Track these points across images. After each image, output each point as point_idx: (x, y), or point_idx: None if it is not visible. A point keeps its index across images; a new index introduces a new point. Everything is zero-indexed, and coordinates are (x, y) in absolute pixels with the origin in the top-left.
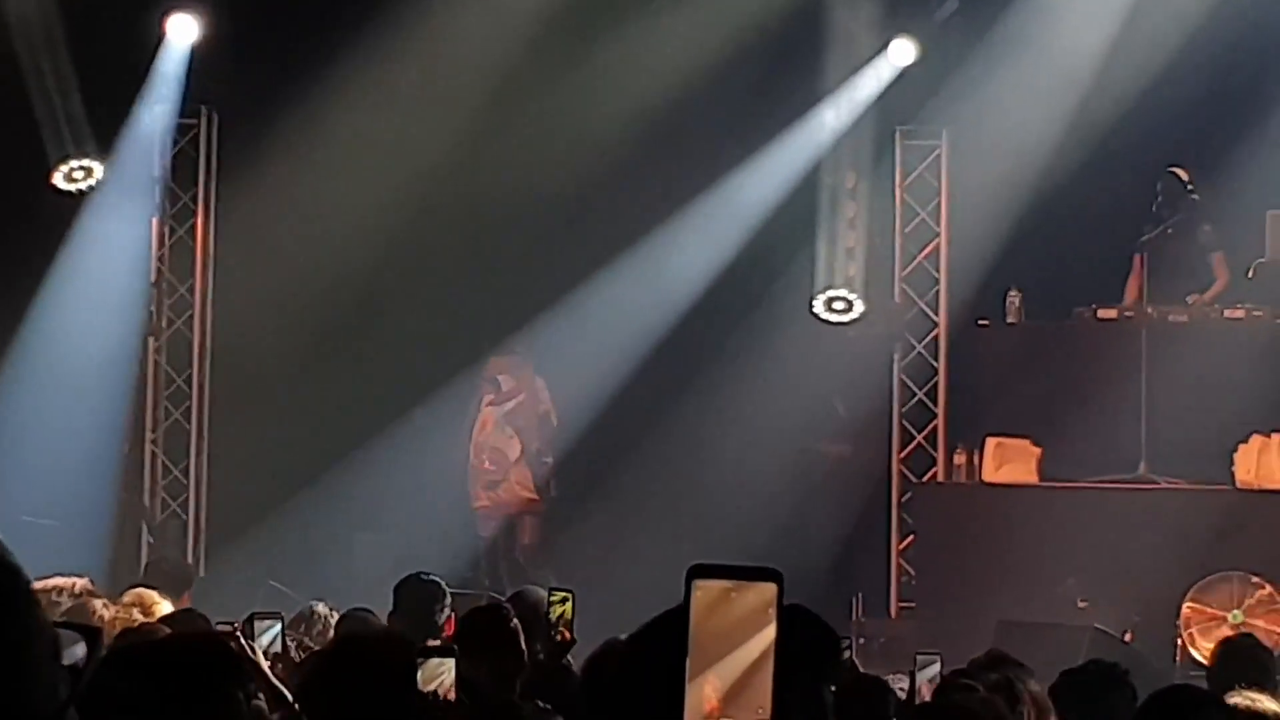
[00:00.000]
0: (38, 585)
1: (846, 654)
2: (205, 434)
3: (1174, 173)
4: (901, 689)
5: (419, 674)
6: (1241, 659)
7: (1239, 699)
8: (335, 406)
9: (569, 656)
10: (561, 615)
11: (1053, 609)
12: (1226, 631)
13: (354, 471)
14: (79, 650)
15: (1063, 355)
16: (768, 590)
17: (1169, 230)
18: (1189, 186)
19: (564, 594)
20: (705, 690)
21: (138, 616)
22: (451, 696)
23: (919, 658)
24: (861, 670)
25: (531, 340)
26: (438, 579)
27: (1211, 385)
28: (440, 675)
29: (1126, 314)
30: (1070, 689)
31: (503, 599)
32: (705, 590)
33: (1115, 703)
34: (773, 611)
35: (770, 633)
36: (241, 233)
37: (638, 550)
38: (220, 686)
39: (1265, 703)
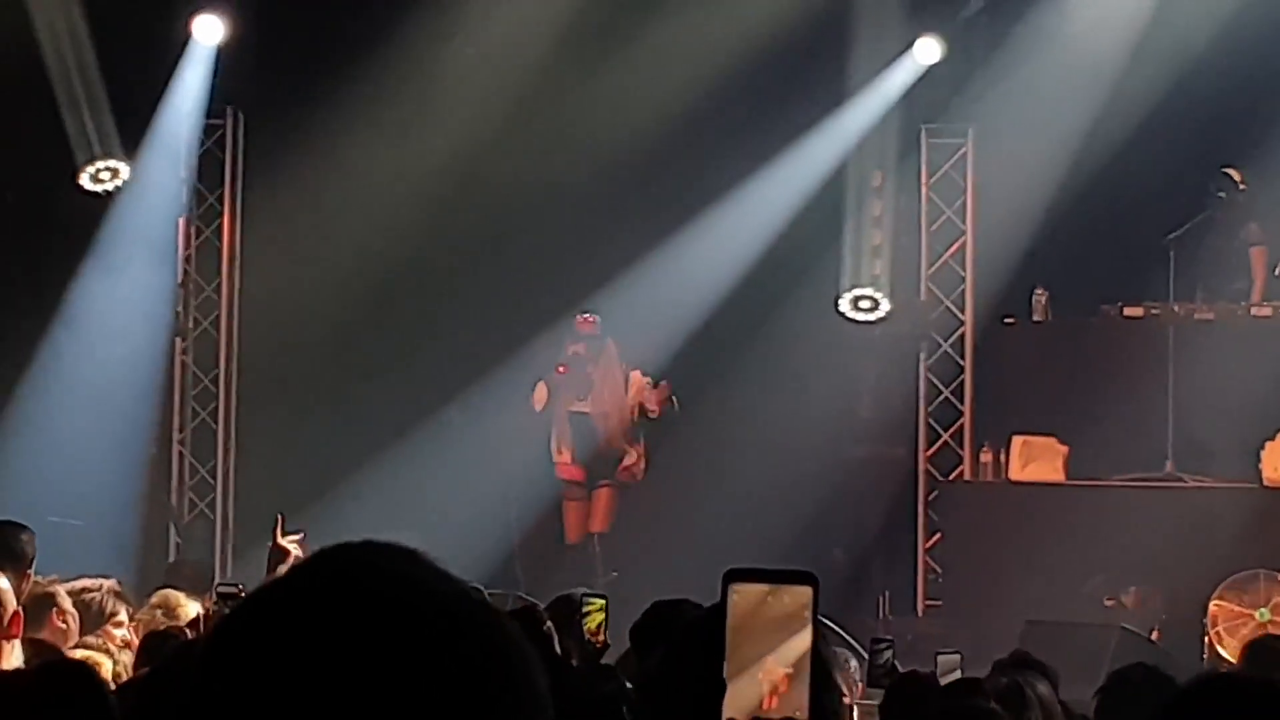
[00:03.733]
0: (65, 586)
1: (888, 655)
2: (232, 434)
3: (1227, 172)
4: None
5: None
6: (1268, 657)
7: None
8: (362, 405)
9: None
10: (599, 623)
11: (1079, 608)
12: (1254, 629)
13: (381, 471)
14: None
15: (1089, 353)
16: (804, 594)
17: (1216, 228)
18: (1241, 186)
19: (599, 600)
20: (744, 691)
21: (161, 619)
22: (602, 635)
23: (939, 657)
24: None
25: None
26: (478, 585)
27: (1239, 383)
28: (596, 615)
29: (1153, 311)
30: (1113, 696)
31: (536, 602)
32: (742, 594)
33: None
34: (809, 614)
35: (807, 635)
36: (268, 233)
37: (664, 549)
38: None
39: None
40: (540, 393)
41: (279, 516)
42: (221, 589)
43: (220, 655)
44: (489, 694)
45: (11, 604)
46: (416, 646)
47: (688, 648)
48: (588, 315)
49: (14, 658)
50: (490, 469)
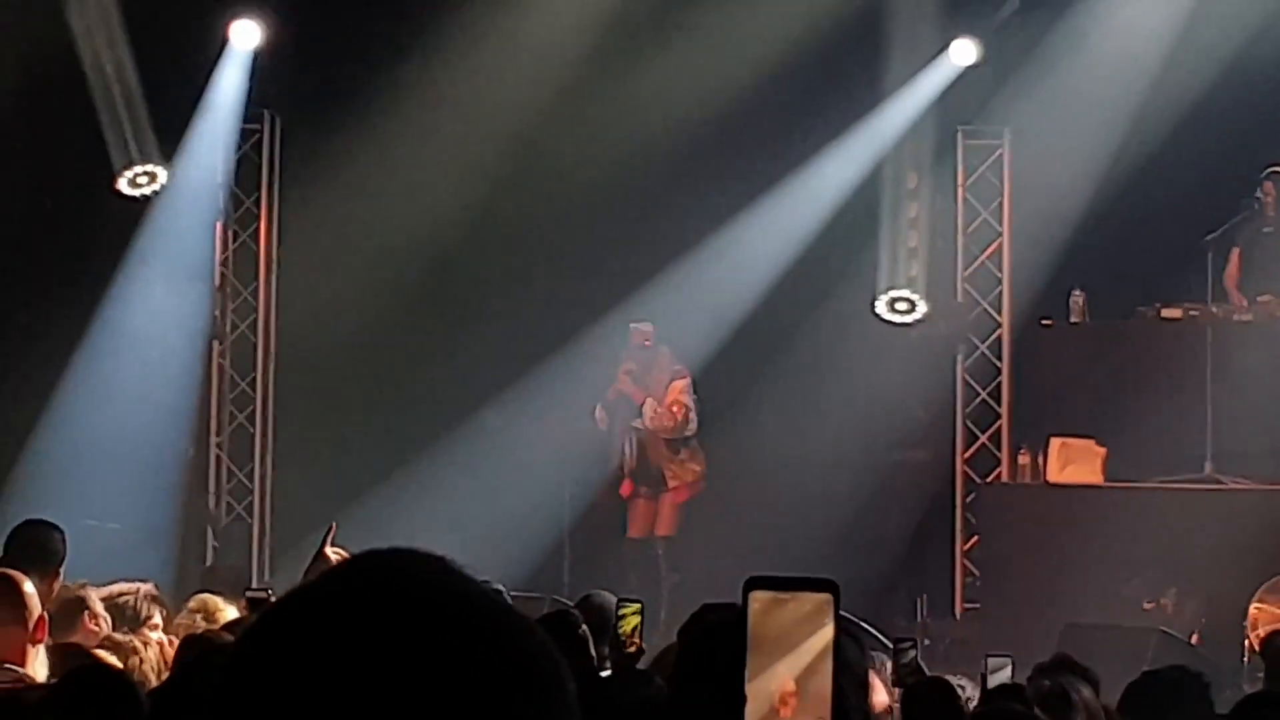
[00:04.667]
0: (102, 592)
1: (912, 654)
2: (270, 437)
3: (1277, 171)
4: (960, 687)
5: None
6: None
7: None
8: (399, 409)
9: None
10: (634, 627)
11: (1118, 610)
12: None
13: (419, 474)
14: None
15: (1127, 355)
16: (824, 601)
17: (1266, 228)
18: None
19: (635, 604)
20: (764, 695)
21: (201, 623)
22: (638, 640)
23: (989, 660)
24: (928, 672)
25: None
26: (500, 586)
27: (1277, 384)
28: (632, 619)
29: (1191, 312)
30: (1141, 696)
31: (570, 604)
32: (762, 602)
33: (1190, 712)
34: (830, 619)
35: (828, 640)
36: (305, 236)
37: (702, 552)
38: None
39: None
40: (600, 415)
41: (332, 525)
42: (251, 594)
43: (249, 658)
44: (515, 699)
45: (37, 608)
46: (442, 651)
47: (706, 657)
48: (642, 326)
49: (39, 662)
50: (528, 472)
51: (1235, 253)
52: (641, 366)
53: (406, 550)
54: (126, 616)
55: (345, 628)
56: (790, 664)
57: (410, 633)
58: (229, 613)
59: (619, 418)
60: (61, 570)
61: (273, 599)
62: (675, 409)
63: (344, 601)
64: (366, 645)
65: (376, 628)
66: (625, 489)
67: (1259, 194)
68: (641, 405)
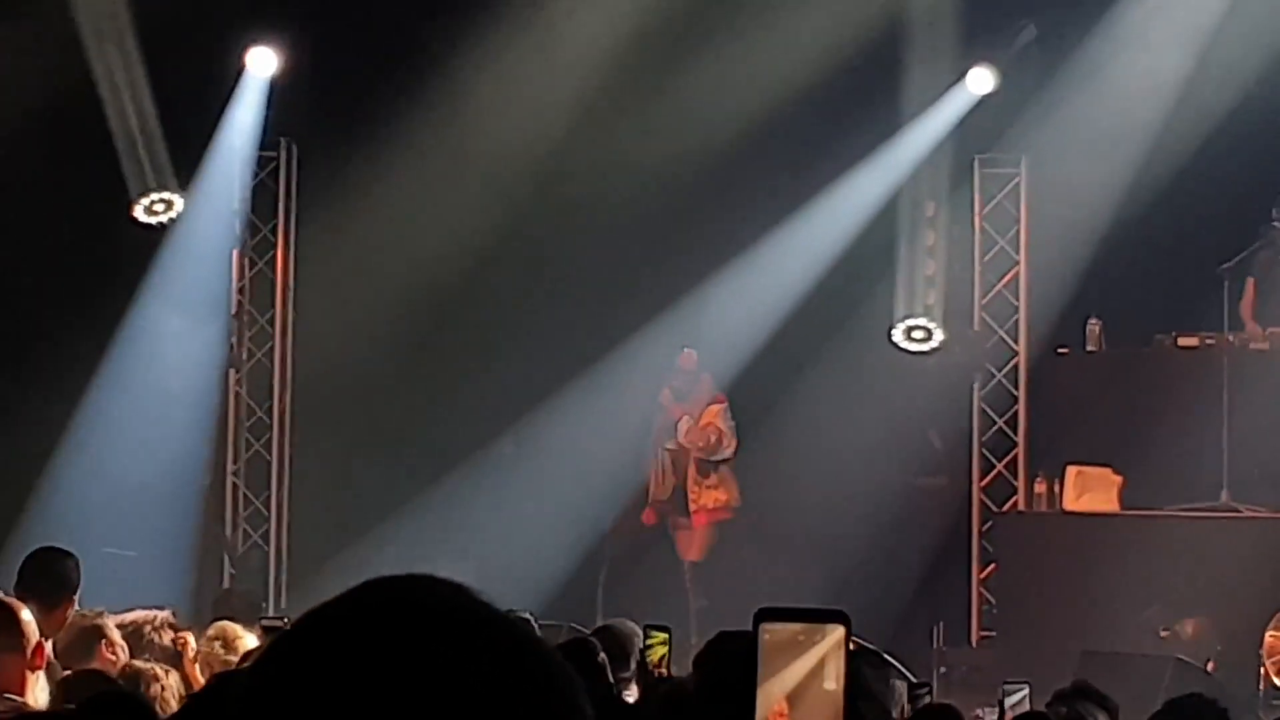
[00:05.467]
0: (118, 619)
1: (927, 700)
2: (286, 465)
3: None
4: (978, 717)
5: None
6: None
7: None
8: (416, 437)
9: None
10: (662, 656)
11: (1134, 639)
12: None
13: (436, 502)
14: None
15: (1143, 383)
16: (836, 633)
17: (1269, 254)
18: None
19: (662, 634)
20: None
21: (220, 650)
22: (665, 668)
23: (1006, 686)
24: (934, 700)
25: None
26: (528, 615)
27: None
28: (660, 649)
29: (1208, 341)
30: None
31: (587, 632)
32: (774, 634)
33: None
34: (841, 653)
35: (840, 675)
36: (321, 264)
37: (719, 578)
38: None
39: None
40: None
41: None
42: (267, 623)
43: (266, 682)
44: None
45: (34, 635)
46: (462, 674)
47: (720, 687)
48: (688, 350)
49: (39, 688)
50: (548, 500)
51: (1251, 282)
52: (684, 388)
53: (422, 575)
54: (144, 643)
55: (363, 651)
56: (802, 693)
57: (428, 656)
58: (248, 640)
59: (655, 437)
60: (76, 598)
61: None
62: (709, 429)
63: (362, 625)
64: (384, 669)
65: (394, 651)
66: (648, 517)
67: (1274, 222)
68: (678, 422)
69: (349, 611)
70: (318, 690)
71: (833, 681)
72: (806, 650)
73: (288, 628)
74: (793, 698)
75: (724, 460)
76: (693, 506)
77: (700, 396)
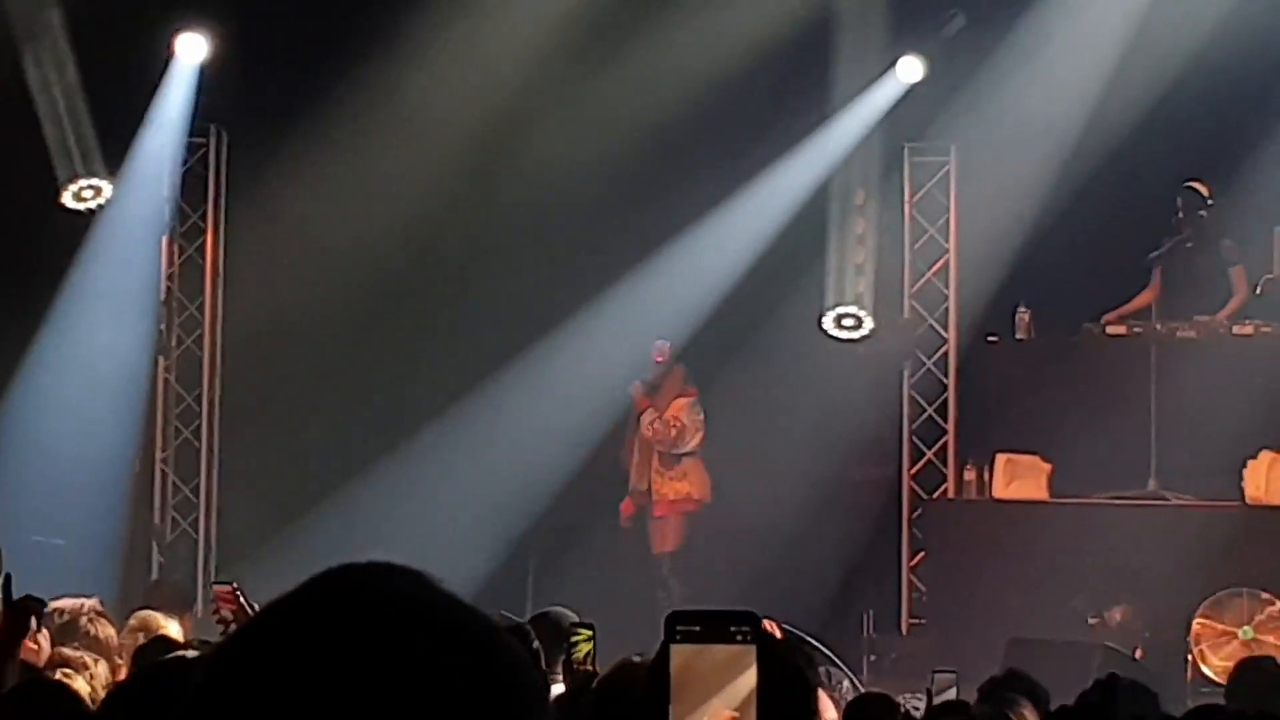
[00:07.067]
0: (51, 607)
1: (846, 685)
2: (215, 452)
3: (1192, 186)
4: (915, 707)
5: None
6: (1258, 678)
7: None
8: (345, 424)
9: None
10: (587, 653)
11: (1063, 625)
12: (1237, 647)
13: (365, 490)
14: None
15: (1072, 371)
16: (744, 650)
17: (1188, 244)
18: (1209, 200)
19: (587, 631)
20: None
21: (141, 640)
22: (590, 664)
23: (936, 676)
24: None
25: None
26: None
27: (1221, 401)
28: (584, 645)
29: (1136, 330)
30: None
31: (523, 621)
32: (686, 635)
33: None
34: (752, 658)
35: (752, 674)
36: (251, 251)
37: (645, 570)
38: None
39: None
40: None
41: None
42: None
43: (225, 673)
44: (497, 709)
45: None
46: (424, 662)
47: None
48: (660, 343)
49: None
50: (476, 490)
51: (1156, 271)
52: (655, 380)
53: (382, 563)
54: (71, 631)
55: (324, 641)
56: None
57: (391, 644)
58: (171, 629)
59: (628, 428)
60: None
61: (237, 590)
62: (671, 422)
63: (323, 615)
64: (346, 658)
65: (356, 640)
66: (626, 508)
67: (1192, 213)
68: (642, 414)
69: (307, 603)
70: (278, 683)
71: (746, 680)
72: (719, 653)
73: (247, 620)
74: (709, 702)
75: (688, 453)
76: (655, 497)
77: (669, 390)
